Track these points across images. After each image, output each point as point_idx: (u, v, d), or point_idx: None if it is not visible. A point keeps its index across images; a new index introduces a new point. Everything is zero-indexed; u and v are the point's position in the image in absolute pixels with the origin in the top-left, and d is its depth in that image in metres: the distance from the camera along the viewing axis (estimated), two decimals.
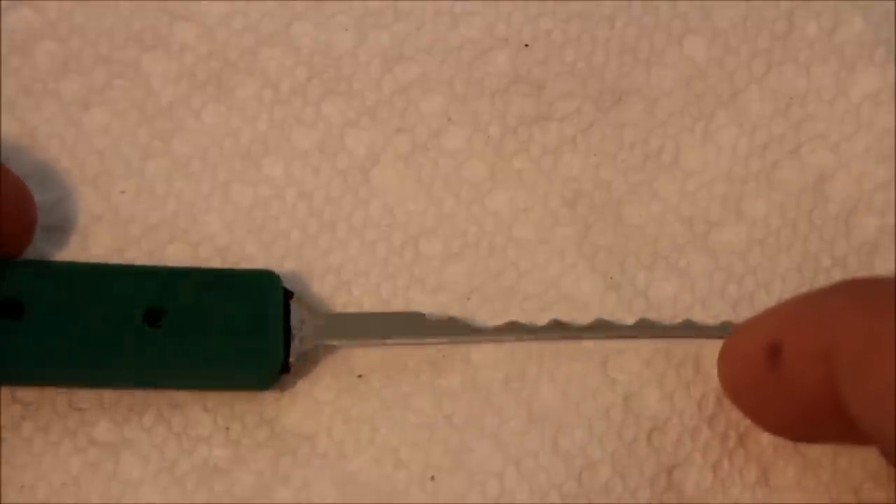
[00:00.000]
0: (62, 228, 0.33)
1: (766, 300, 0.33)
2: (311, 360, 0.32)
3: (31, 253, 0.32)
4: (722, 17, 0.35)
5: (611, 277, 0.33)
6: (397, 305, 0.32)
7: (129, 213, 0.33)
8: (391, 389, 0.32)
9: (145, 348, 0.31)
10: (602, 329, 0.32)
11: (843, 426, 0.27)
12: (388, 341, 0.32)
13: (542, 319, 0.32)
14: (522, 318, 0.32)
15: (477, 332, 0.32)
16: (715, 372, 0.31)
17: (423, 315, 0.32)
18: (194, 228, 0.33)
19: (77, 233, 0.33)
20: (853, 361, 0.27)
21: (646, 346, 0.32)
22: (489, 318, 0.32)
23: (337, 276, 0.33)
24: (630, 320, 0.32)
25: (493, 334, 0.32)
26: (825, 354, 0.27)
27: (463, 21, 0.35)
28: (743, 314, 0.32)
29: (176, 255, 0.33)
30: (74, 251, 0.33)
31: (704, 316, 0.33)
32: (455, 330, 0.32)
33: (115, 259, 0.33)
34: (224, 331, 0.31)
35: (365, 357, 0.32)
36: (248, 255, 0.33)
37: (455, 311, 0.32)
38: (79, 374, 0.31)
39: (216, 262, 0.33)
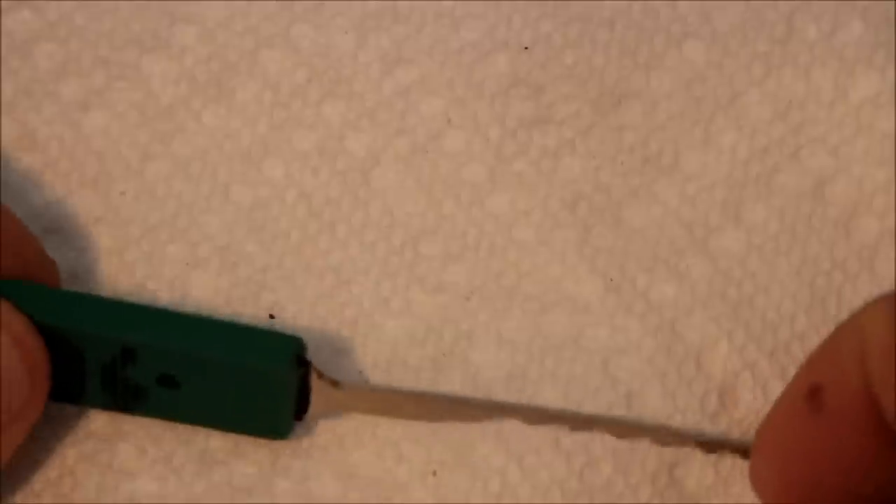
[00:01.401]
0: (62, 230, 0.33)
1: (765, 304, 0.33)
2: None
3: None
4: (721, 21, 0.35)
5: (611, 279, 0.33)
6: (396, 305, 0.32)
7: (129, 215, 0.33)
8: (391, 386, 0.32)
9: (159, 405, 0.31)
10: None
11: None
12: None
13: (543, 320, 0.32)
14: (523, 319, 0.32)
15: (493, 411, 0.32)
16: (716, 370, 0.32)
17: (448, 398, 0.32)
18: (194, 229, 0.33)
19: (77, 234, 0.33)
20: (883, 359, 0.26)
21: (647, 345, 0.32)
22: (489, 318, 0.32)
23: (336, 276, 0.33)
24: (630, 322, 0.32)
25: (523, 413, 0.32)
26: (863, 371, 0.27)
27: (463, 24, 0.35)
28: (743, 317, 0.32)
29: (176, 256, 0.33)
30: (74, 253, 0.33)
31: (705, 318, 0.33)
32: (471, 409, 0.32)
33: (114, 260, 0.33)
34: (236, 401, 0.31)
35: (364, 354, 0.32)
36: (248, 256, 0.33)
37: (455, 311, 0.32)
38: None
39: (215, 263, 0.33)
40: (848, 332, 0.27)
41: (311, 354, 0.31)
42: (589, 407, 0.32)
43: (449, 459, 0.31)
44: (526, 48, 0.34)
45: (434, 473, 0.31)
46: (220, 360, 0.30)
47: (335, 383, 0.31)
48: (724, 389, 0.32)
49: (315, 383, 0.31)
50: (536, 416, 0.31)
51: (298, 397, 0.31)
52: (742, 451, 0.31)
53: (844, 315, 0.32)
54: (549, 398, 0.32)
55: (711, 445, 0.31)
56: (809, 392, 0.28)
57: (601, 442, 0.31)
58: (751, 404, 0.32)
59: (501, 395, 0.32)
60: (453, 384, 0.32)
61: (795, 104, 0.34)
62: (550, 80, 0.34)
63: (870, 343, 0.27)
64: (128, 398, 0.31)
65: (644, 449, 0.31)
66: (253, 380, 0.30)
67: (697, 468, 0.31)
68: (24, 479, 0.31)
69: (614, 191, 0.34)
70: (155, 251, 0.33)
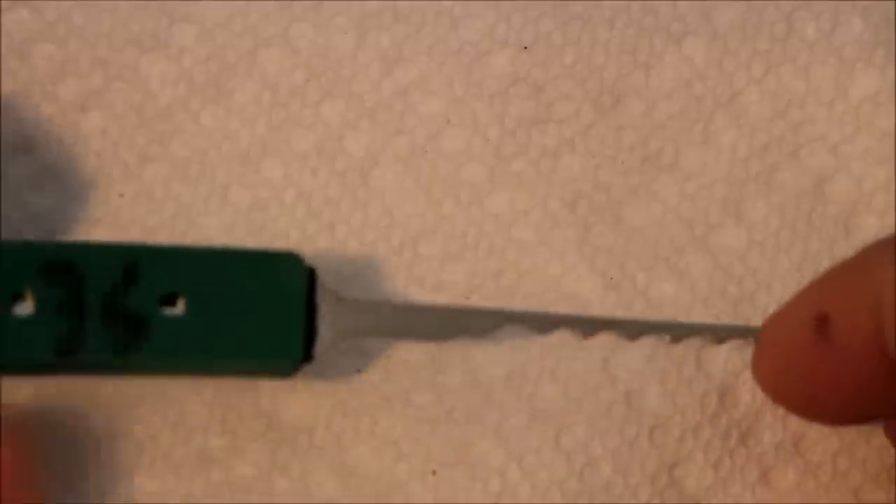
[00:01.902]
0: (61, 232, 0.33)
1: (766, 300, 0.33)
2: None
3: None
4: (721, 19, 0.35)
5: (611, 278, 0.33)
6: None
7: (127, 217, 0.33)
8: (391, 385, 0.32)
9: (163, 335, 0.30)
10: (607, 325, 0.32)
11: None
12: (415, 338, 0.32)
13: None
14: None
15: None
16: (716, 370, 0.31)
17: (460, 309, 0.32)
18: (193, 231, 0.33)
19: (76, 236, 0.33)
20: (893, 295, 0.26)
21: (647, 344, 0.32)
22: (489, 318, 0.32)
23: (335, 276, 0.33)
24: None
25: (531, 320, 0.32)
26: (874, 309, 0.27)
27: (462, 23, 0.34)
28: (744, 314, 0.32)
29: None
30: None
31: (705, 316, 0.32)
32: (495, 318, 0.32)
33: None
34: (243, 318, 0.30)
35: (364, 353, 0.32)
36: None
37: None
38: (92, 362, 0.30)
39: None
40: (861, 270, 0.28)
41: None
42: (588, 406, 0.32)
43: (448, 458, 0.31)
44: (525, 47, 0.34)
45: (433, 472, 0.31)
46: (229, 263, 0.30)
47: (340, 298, 0.31)
48: (725, 389, 0.32)
49: (322, 293, 0.31)
50: (545, 324, 0.32)
51: (307, 320, 0.30)
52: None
53: None
54: (549, 397, 0.32)
55: (722, 336, 0.32)
56: (816, 320, 0.28)
57: (601, 442, 0.31)
58: (751, 404, 0.32)
59: (502, 391, 0.32)
60: (453, 383, 0.32)
61: (795, 102, 0.34)
62: (550, 79, 0.34)
63: (884, 294, 0.27)
64: (129, 334, 0.30)
65: (644, 449, 0.31)
66: (263, 282, 0.30)
67: (697, 468, 0.31)
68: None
69: (614, 190, 0.34)
70: None
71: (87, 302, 0.30)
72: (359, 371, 0.32)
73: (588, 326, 0.32)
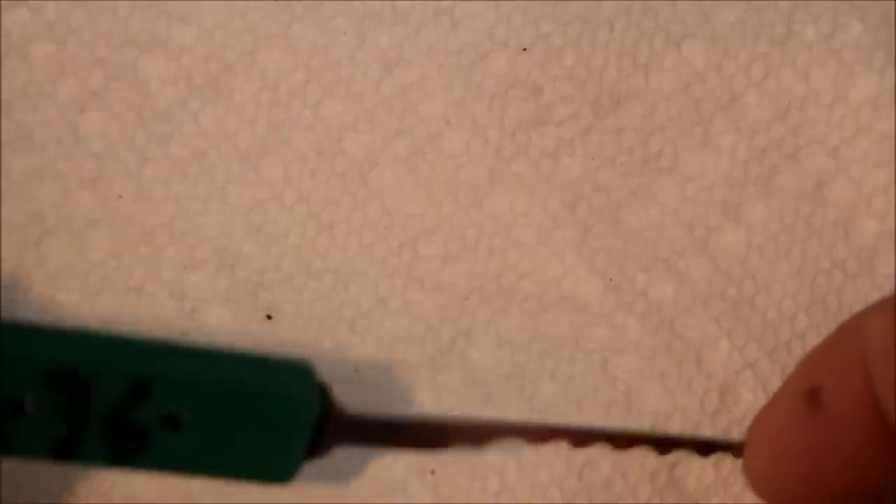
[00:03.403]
0: (59, 233, 0.33)
1: (766, 302, 0.33)
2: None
3: (29, 258, 0.32)
4: (721, 21, 0.35)
5: (610, 279, 0.33)
6: (395, 305, 0.32)
7: (126, 217, 0.33)
8: (390, 385, 0.32)
9: (163, 451, 0.28)
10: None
11: None
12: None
13: (542, 320, 0.32)
14: (522, 319, 0.32)
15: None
16: (716, 369, 0.31)
17: (459, 422, 0.30)
18: (192, 231, 0.33)
19: (75, 237, 0.33)
20: (885, 362, 0.26)
21: (647, 344, 0.32)
22: (488, 318, 0.32)
23: (335, 277, 0.33)
24: (630, 321, 0.32)
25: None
26: (864, 366, 0.26)
27: (462, 24, 0.34)
28: (744, 315, 0.32)
29: (174, 259, 0.33)
30: (72, 256, 0.33)
31: (705, 317, 0.32)
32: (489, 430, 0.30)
33: (112, 263, 0.32)
34: (247, 440, 0.28)
35: (363, 353, 0.32)
36: (246, 257, 0.33)
37: (453, 311, 0.32)
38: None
39: (213, 265, 0.33)
40: (848, 335, 0.27)
41: (310, 354, 0.31)
42: (588, 406, 0.32)
43: (448, 458, 0.31)
44: (525, 49, 0.34)
45: (433, 472, 0.31)
46: (244, 387, 0.28)
47: (347, 414, 0.29)
48: (725, 388, 0.32)
49: (332, 411, 0.29)
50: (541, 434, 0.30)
51: (314, 431, 0.29)
52: (738, 450, 0.31)
53: (845, 314, 0.32)
54: (549, 398, 0.32)
55: (709, 448, 0.31)
56: (808, 393, 0.27)
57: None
58: (751, 403, 0.32)
59: (502, 391, 0.32)
60: (452, 384, 0.32)
61: (794, 105, 0.34)
62: (549, 80, 0.34)
63: (871, 346, 0.26)
64: (128, 446, 0.29)
65: (644, 448, 0.31)
66: (275, 408, 0.28)
67: (697, 468, 0.31)
68: (20, 481, 0.31)
69: (614, 191, 0.34)
70: (153, 254, 0.33)
71: (91, 411, 0.29)
72: (357, 372, 0.32)
73: (580, 436, 0.31)
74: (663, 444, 0.31)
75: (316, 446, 0.29)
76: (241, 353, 0.29)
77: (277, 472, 0.29)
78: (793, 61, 0.34)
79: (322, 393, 0.29)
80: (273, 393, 0.28)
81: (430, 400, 0.32)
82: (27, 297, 0.32)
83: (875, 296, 0.33)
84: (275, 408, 0.28)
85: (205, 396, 0.28)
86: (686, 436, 0.32)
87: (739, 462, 0.31)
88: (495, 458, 0.31)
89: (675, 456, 0.31)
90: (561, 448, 0.31)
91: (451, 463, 0.31)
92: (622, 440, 0.30)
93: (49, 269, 0.32)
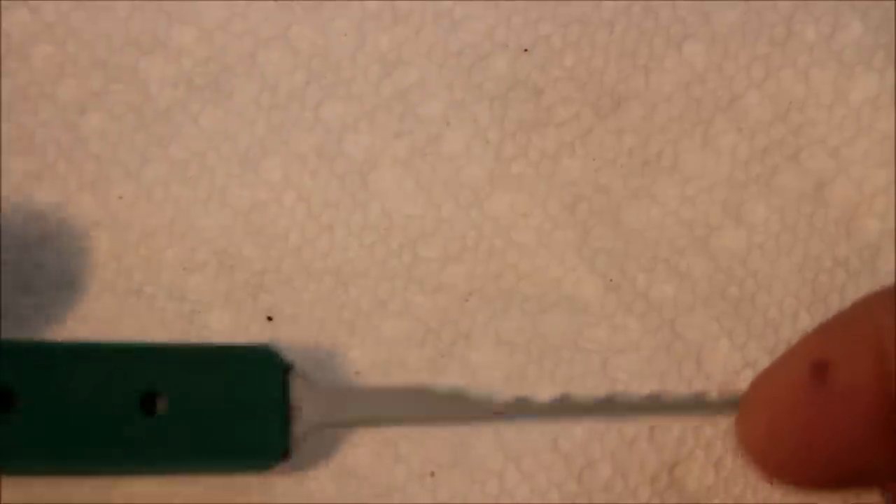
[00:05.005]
0: (59, 234, 0.33)
1: (767, 302, 0.33)
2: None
3: (29, 261, 0.32)
4: (721, 22, 0.35)
5: (611, 280, 0.33)
6: (394, 306, 0.32)
7: (126, 218, 0.33)
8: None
9: (143, 438, 0.29)
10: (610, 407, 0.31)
11: None
12: (395, 423, 0.31)
13: (542, 321, 0.32)
14: (522, 320, 0.32)
15: (489, 407, 0.31)
16: (715, 369, 0.31)
17: (432, 390, 0.31)
18: (192, 232, 0.33)
19: (74, 238, 0.33)
20: None
21: (647, 344, 0.32)
22: (488, 319, 0.32)
23: (335, 278, 0.33)
24: (630, 321, 0.32)
25: (506, 410, 0.31)
26: (878, 355, 0.27)
27: (462, 25, 0.34)
28: (744, 315, 0.32)
29: (173, 260, 0.33)
30: (72, 257, 0.33)
31: (706, 317, 0.32)
32: (466, 407, 0.31)
33: (112, 265, 0.32)
34: (222, 418, 0.30)
35: (362, 355, 0.32)
36: (246, 259, 0.33)
37: (453, 312, 0.32)
38: (73, 467, 0.30)
39: (213, 266, 0.32)
40: (863, 314, 0.28)
41: (310, 356, 0.31)
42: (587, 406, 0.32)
43: (447, 460, 0.31)
44: (525, 50, 0.34)
45: (432, 474, 0.31)
46: (204, 362, 0.30)
47: (315, 390, 0.31)
48: (725, 388, 0.32)
49: (297, 388, 0.30)
50: (537, 409, 0.31)
51: (284, 412, 0.30)
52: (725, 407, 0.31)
53: None
54: (548, 398, 0.32)
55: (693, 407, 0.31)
56: (815, 366, 0.28)
57: (600, 443, 0.31)
58: None
59: (500, 395, 0.32)
60: (452, 385, 0.32)
61: (795, 106, 0.34)
62: (550, 81, 0.34)
63: (886, 328, 0.27)
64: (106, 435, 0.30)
65: (644, 449, 0.31)
66: (239, 378, 0.30)
67: (697, 468, 0.31)
68: (20, 481, 0.30)
69: (614, 192, 0.34)
70: (153, 255, 0.33)
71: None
72: (357, 373, 0.32)
73: (551, 411, 0.31)
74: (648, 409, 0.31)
75: (289, 424, 0.30)
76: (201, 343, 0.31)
77: (259, 452, 0.30)
78: (793, 62, 0.34)
79: (286, 369, 0.30)
80: (235, 359, 0.30)
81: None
82: (27, 298, 0.32)
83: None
84: (239, 377, 0.30)
85: (171, 373, 0.30)
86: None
87: (741, 462, 0.31)
88: (495, 460, 0.31)
89: (676, 456, 0.31)
90: (560, 450, 0.31)
91: (450, 465, 0.31)
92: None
93: (49, 270, 0.32)
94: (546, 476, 0.31)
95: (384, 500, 0.31)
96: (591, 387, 0.32)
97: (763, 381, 0.30)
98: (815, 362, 0.28)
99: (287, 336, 0.32)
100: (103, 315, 0.32)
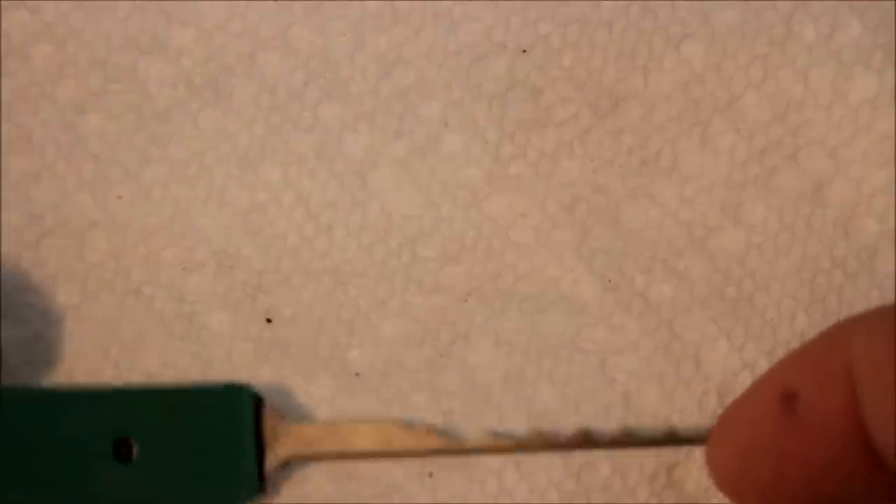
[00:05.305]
0: (58, 234, 0.33)
1: (765, 302, 0.33)
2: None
3: (29, 260, 0.32)
4: (720, 22, 0.35)
5: (609, 280, 0.33)
6: (393, 306, 0.32)
7: (125, 219, 0.33)
8: (388, 387, 0.32)
9: (116, 485, 0.30)
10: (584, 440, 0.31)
11: (873, 475, 0.26)
12: (368, 457, 0.31)
13: (540, 321, 0.32)
14: (520, 320, 0.32)
15: (464, 442, 0.31)
16: (714, 370, 0.31)
17: (403, 424, 0.31)
18: (191, 233, 0.33)
19: (73, 239, 0.33)
20: (874, 379, 0.26)
21: (645, 345, 0.32)
22: (486, 319, 0.32)
23: (334, 278, 0.33)
24: (628, 321, 0.32)
25: (483, 445, 0.31)
26: (847, 383, 0.26)
27: (461, 25, 0.34)
28: (743, 316, 0.32)
29: (172, 260, 0.33)
30: (71, 257, 0.33)
31: (704, 318, 0.32)
32: (441, 442, 0.30)
33: (111, 265, 0.33)
34: (195, 459, 0.30)
35: (361, 355, 0.32)
36: (245, 259, 0.33)
37: (452, 312, 0.32)
38: None
39: (212, 266, 0.33)
40: (833, 345, 0.27)
41: (310, 357, 0.31)
42: (586, 408, 0.32)
43: (446, 460, 0.31)
44: (524, 50, 0.34)
45: (430, 475, 0.31)
46: (178, 404, 0.30)
47: (286, 425, 0.30)
48: (723, 389, 0.32)
49: (269, 423, 0.30)
50: (516, 445, 0.31)
51: (257, 447, 0.30)
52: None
53: (845, 313, 0.32)
54: (547, 399, 0.32)
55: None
56: (785, 395, 0.27)
57: None
58: None
59: (500, 393, 0.32)
60: (451, 385, 0.32)
61: (794, 106, 0.34)
62: (549, 82, 0.34)
63: (859, 363, 0.26)
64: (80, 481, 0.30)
65: (642, 450, 0.31)
66: (211, 419, 0.30)
67: (696, 469, 0.31)
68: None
69: (612, 192, 0.34)
70: (151, 255, 0.33)
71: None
72: (357, 374, 0.32)
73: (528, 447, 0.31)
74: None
75: (263, 458, 0.30)
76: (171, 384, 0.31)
77: (234, 489, 0.30)
78: (792, 62, 0.34)
79: (258, 404, 0.30)
80: (207, 398, 0.30)
81: (428, 402, 0.32)
82: (27, 298, 0.32)
83: (875, 295, 0.33)
84: (212, 416, 0.30)
85: (145, 417, 0.30)
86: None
87: None
88: (494, 460, 0.31)
89: (675, 457, 0.31)
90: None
91: (449, 465, 0.31)
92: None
93: (48, 271, 0.32)
94: (545, 475, 0.31)
95: (384, 500, 0.31)
96: (589, 387, 0.32)
97: (733, 411, 0.29)
98: (785, 392, 0.27)
99: (286, 336, 0.32)
100: (102, 315, 0.32)
